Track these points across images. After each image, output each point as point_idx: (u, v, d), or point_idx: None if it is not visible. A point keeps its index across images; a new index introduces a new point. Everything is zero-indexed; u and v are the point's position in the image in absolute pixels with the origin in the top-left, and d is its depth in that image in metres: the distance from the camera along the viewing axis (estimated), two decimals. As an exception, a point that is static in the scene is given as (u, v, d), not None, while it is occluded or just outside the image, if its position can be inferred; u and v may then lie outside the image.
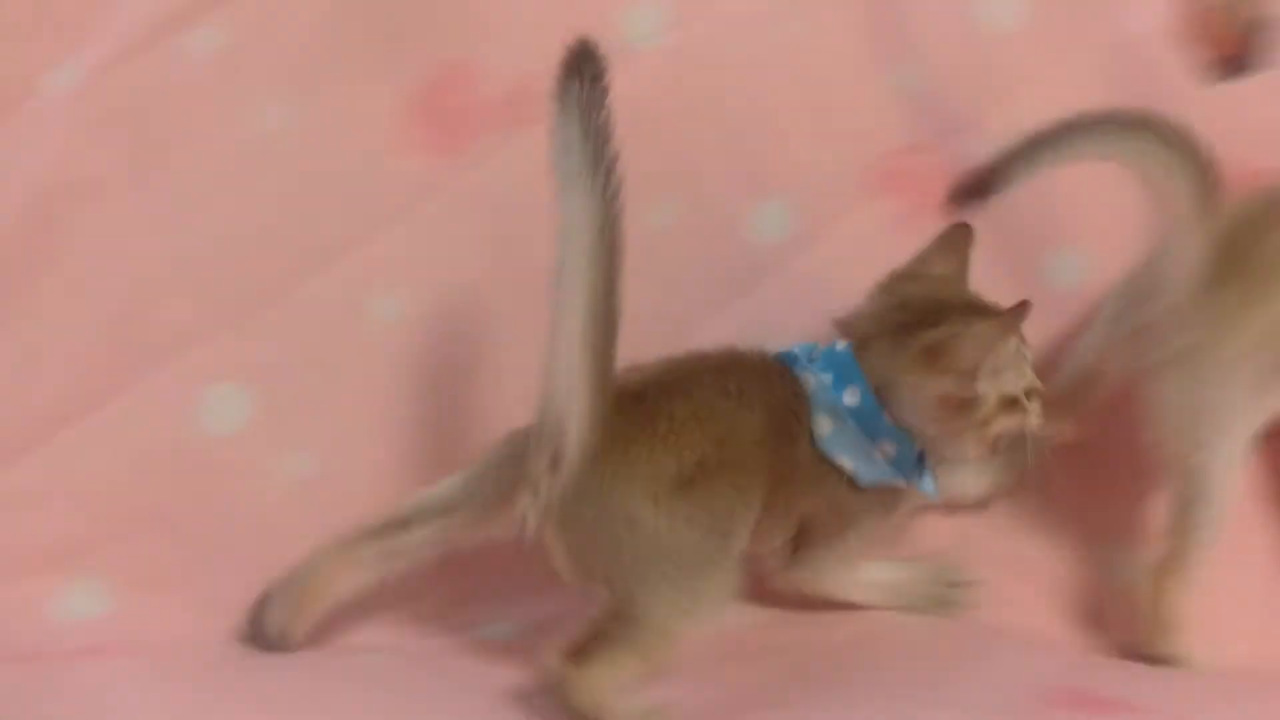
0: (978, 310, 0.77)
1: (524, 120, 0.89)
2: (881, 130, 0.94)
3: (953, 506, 0.90)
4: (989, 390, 0.74)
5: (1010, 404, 0.75)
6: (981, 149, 0.89)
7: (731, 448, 0.75)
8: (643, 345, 0.87)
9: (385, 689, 0.76)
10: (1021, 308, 0.72)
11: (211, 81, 0.88)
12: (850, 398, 0.76)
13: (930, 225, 0.91)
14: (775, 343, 0.80)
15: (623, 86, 0.86)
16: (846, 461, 0.76)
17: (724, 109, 0.92)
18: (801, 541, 0.81)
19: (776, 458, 0.76)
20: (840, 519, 0.80)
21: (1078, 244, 0.94)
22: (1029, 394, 0.76)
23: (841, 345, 0.78)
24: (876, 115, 0.94)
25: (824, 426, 0.76)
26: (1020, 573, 0.89)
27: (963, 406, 0.74)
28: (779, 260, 0.93)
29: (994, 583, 0.87)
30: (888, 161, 0.95)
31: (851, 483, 0.77)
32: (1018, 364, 0.76)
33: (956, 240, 0.82)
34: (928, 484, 0.79)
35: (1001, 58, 0.94)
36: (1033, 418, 0.76)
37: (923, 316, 0.76)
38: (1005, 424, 0.76)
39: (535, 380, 0.69)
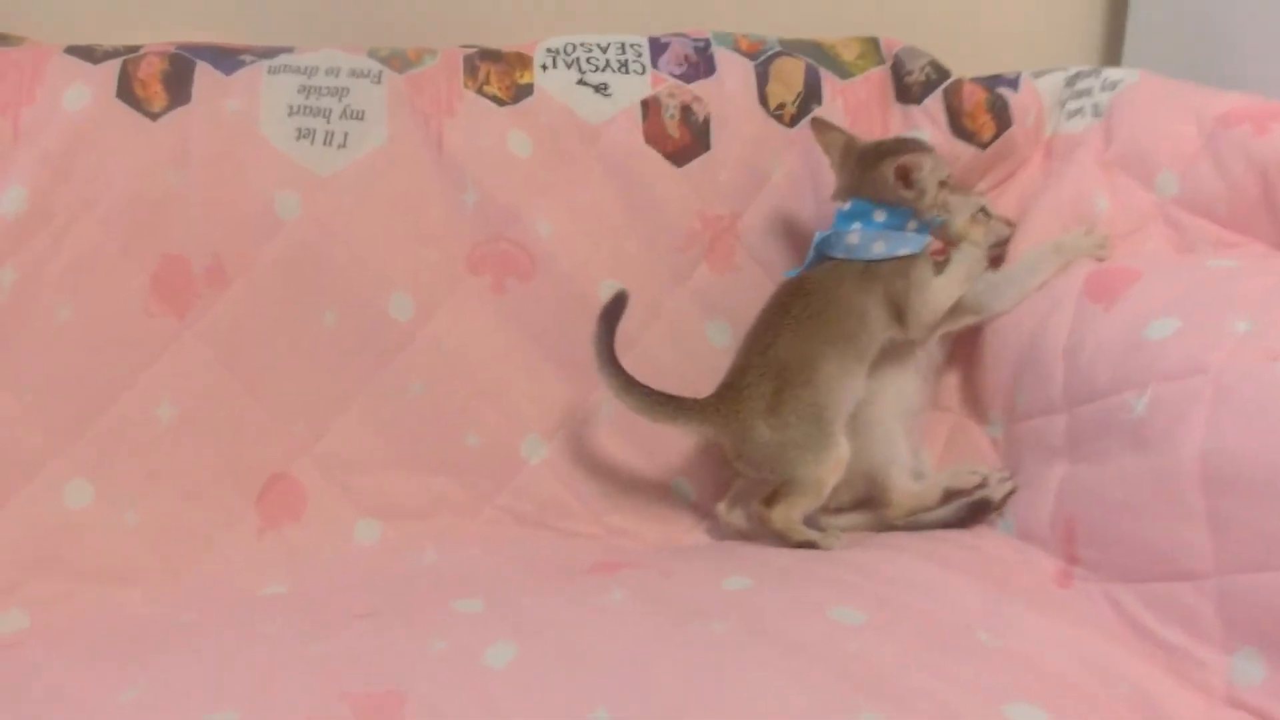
0: (901, 144, 1.34)
1: (220, 284, 1.32)
2: (467, 230, 1.39)
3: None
4: (932, 181, 1.31)
5: (942, 184, 1.32)
6: (530, 234, 1.40)
7: (787, 366, 1.27)
8: (333, 397, 1.33)
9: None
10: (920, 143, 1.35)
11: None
12: (856, 226, 1.31)
13: (512, 288, 1.40)
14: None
15: (283, 244, 1.31)
16: (879, 249, 1.30)
17: (355, 243, 1.34)
18: (903, 321, 1.31)
19: (824, 323, 1.29)
20: (904, 282, 1.30)
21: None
22: (946, 181, 1.33)
23: (844, 207, 1.34)
24: (461, 221, 1.38)
25: (850, 248, 1.31)
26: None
27: (921, 193, 1.31)
28: (412, 331, 1.36)
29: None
30: (476, 250, 1.39)
31: (890, 264, 1.30)
32: (939, 166, 1.32)
33: (825, 125, 1.39)
34: (922, 235, 1.32)
35: (526, 173, 1.40)
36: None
37: (877, 155, 1.32)
38: (943, 195, 1.33)
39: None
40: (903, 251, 1.31)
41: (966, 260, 1.35)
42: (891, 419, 1.35)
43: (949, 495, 1.29)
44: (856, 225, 1.32)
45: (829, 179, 1.44)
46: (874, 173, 1.32)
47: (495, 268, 1.40)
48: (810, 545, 1.26)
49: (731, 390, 1.30)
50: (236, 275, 1.33)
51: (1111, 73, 1.48)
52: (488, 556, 1.29)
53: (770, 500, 1.28)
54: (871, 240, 1.31)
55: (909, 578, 1.11)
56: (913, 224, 1.32)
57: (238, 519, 1.30)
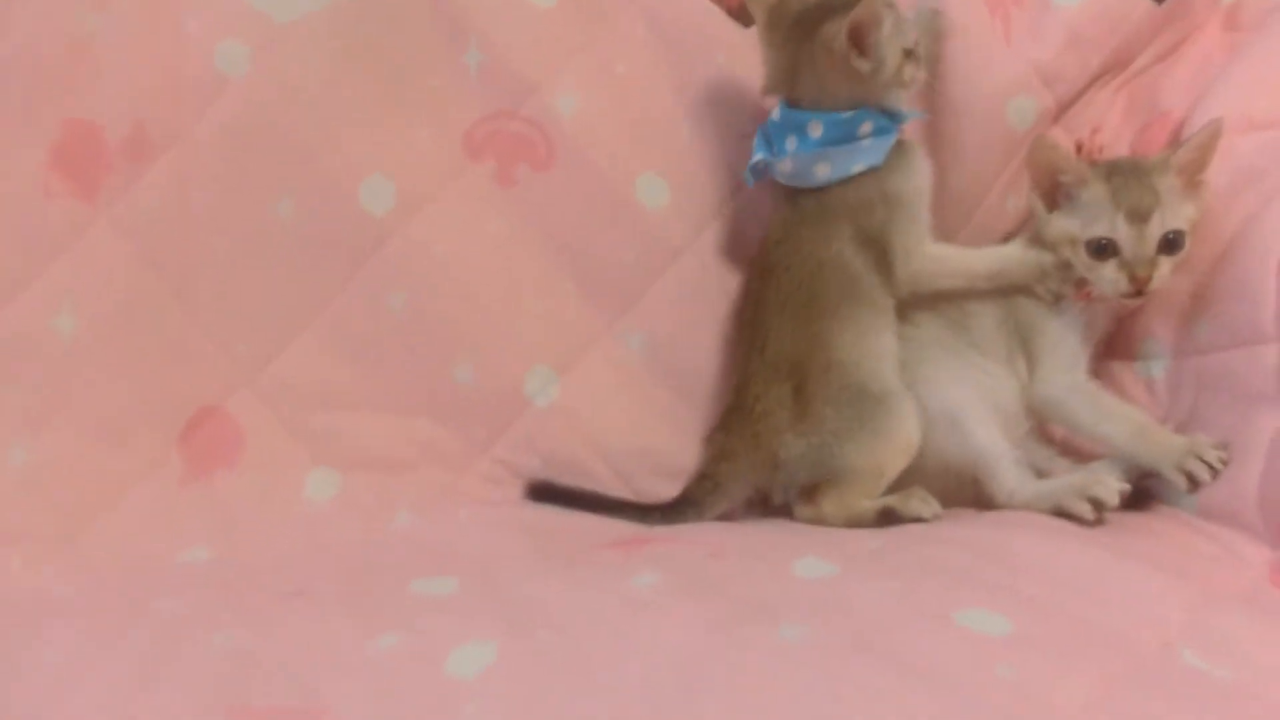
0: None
1: (144, 159, 1.01)
2: (468, 101, 1.06)
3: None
4: (893, 47, 0.95)
5: (909, 54, 0.97)
6: (549, 110, 1.07)
7: (794, 358, 0.98)
8: (286, 312, 1.03)
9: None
10: None
11: None
12: (790, 143, 0.98)
13: (524, 179, 1.08)
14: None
15: (227, 109, 1.00)
16: (824, 172, 0.97)
17: (321, 112, 1.03)
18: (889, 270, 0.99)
19: (811, 293, 0.98)
20: (881, 213, 0.98)
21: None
22: (913, 50, 0.97)
23: (773, 115, 1.00)
24: (460, 90, 1.06)
25: (788, 176, 1.00)
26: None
27: (879, 64, 0.95)
28: (392, 227, 1.04)
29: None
30: (478, 128, 1.07)
31: (849, 190, 0.98)
32: (902, 26, 0.96)
33: None
34: (884, 138, 0.97)
35: (548, 30, 1.07)
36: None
37: (818, 16, 0.96)
38: (912, 71, 0.97)
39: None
40: (856, 168, 0.97)
41: (1020, 258, 1.00)
42: (977, 404, 1.00)
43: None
44: (790, 142, 0.98)
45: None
46: (807, 48, 0.97)
47: (503, 152, 1.07)
48: (892, 517, 0.94)
49: (739, 413, 1.01)
50: (165, 147, 1.02)
51: (1316, -81, 1.12)
52: (476, 523, 0.97)
53: (812, 495, 0.97)
54: (811, 164, 0.98)
55: (1068, 569, 0.77)
56: (867, 125, 0.97)
57: (155, 464, 1.00)
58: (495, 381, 1.05)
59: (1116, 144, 1.11)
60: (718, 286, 1.09)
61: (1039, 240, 0.99)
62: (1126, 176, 0.95)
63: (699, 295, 1.09)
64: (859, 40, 0.94)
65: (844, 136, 0.97)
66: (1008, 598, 0.72)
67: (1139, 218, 0.93)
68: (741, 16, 1.11)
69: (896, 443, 0.96)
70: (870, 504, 0.95)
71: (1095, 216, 0.95)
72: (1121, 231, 0.94)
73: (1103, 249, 0.95)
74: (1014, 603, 0.72)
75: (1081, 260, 0.96)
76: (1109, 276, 0.95)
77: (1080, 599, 0.72)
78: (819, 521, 0.97)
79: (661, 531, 0.94)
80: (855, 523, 0.95)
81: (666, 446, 1.07)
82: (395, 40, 1.05)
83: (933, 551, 0.82)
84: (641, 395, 1.09)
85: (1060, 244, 0.97)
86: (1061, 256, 0.97)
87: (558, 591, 0.76)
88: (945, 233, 1.10)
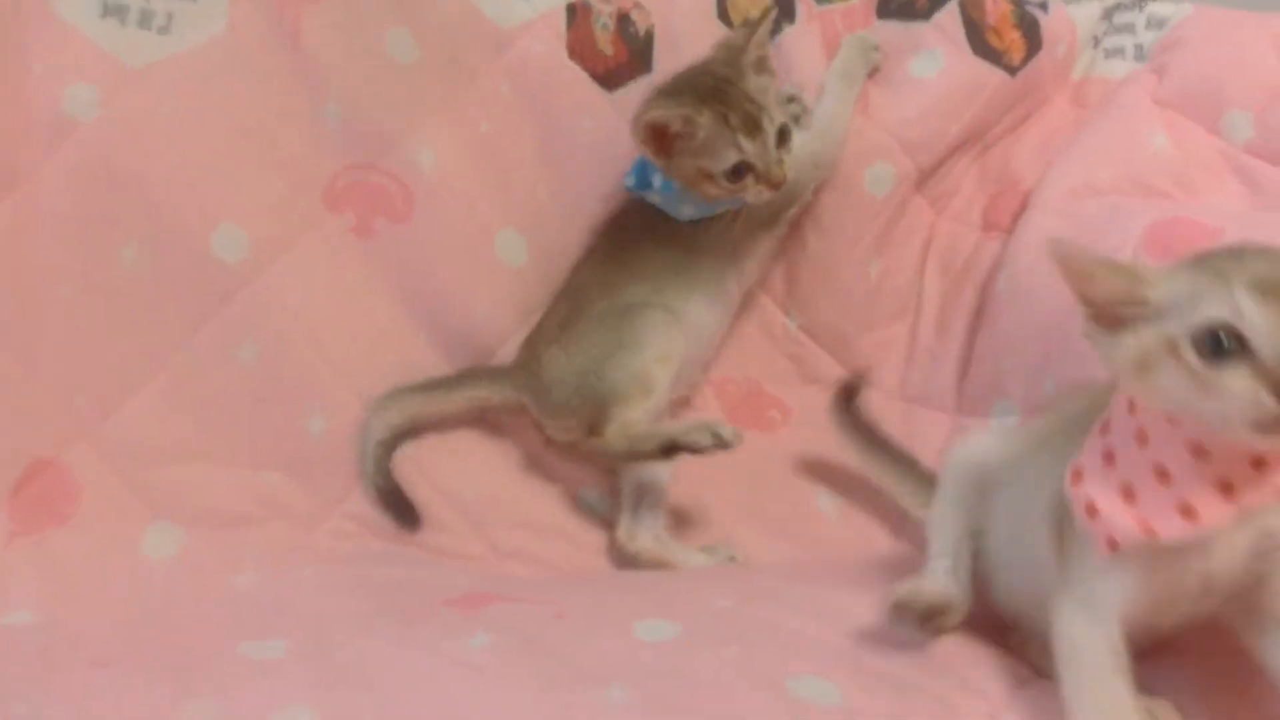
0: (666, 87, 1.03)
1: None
2: (327, 153, 1.05)
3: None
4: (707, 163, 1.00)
5: (711, 177, 1.00)
6: (409, 164, 1.07)
7: (586, 286, 1.05)
8: (130, 363, 1.00)
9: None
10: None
11: None
12: (656, 179, 1.04)
13: (382, 231, 1.07)
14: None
15: (73, 153, 0.97)
16: (689, 212, 1.04)
17: (172, 158, 1.00)
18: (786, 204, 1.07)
19: (637, 243, 1.06)
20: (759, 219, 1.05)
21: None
22: (735, 169, 1.00)
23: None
24: (319, 141, 1.05)
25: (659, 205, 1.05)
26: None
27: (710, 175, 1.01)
28: (245, 276, 1.01)
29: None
30: (338, 180, 1.06)
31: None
32: (717, 141, 0.99)
33: None
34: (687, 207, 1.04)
35: (409, 85, 1.07)
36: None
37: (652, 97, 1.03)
38: (716, 192, 1.01)
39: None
40: (720, 209, 1.04)
41: (844, 69, 1.12)
42: None
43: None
44: (654, 183, 1.04)
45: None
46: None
47: (361, 204, 1.07)
48: (674, 447, 0.96)
49: (527, 338, 1.08)
50: (6, 191, 0.98)
51: (1159, 7, 1.18)
52: (319, 581, 0.94)
53: (594, 429, 1.00)
54: (678, 203, 1.05)
55: (901, 634, 0.77)
56: None
57: (-20, 520, 0.95)
58: (349, 434, 1.03)
59: (969, 211, 1.15)
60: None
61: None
62: None
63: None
64: (654, 140, 1.00)
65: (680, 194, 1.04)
66: (841, 664, 0.72)
67: None
68: (607, 81, 1.13)
69: (652, 350, 1.01)
70: (652, 435, 0.98)
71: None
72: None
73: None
74: (846, 670, 0.72)
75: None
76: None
77: (911, 668, 0.73)
78: (605, 452, 1.00)
79: (511, 588, 0.91)
80: (637, 448, 0.98)
81: (519, 496, 1.06)
82: (252, 90, 1.04)
83: (775, 613, 0.81)
84: (500, 446, 1.08)
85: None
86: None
87: (388, 653, 0.73)
88: (806, 296, 1.13)
